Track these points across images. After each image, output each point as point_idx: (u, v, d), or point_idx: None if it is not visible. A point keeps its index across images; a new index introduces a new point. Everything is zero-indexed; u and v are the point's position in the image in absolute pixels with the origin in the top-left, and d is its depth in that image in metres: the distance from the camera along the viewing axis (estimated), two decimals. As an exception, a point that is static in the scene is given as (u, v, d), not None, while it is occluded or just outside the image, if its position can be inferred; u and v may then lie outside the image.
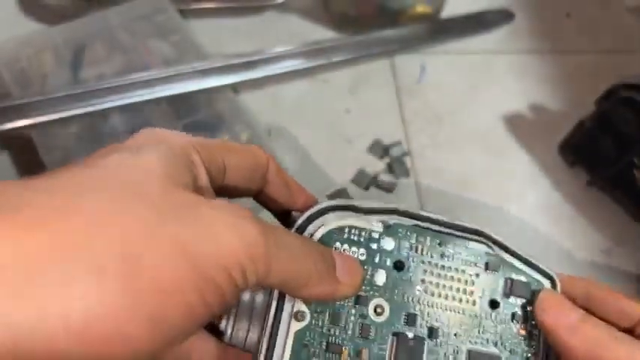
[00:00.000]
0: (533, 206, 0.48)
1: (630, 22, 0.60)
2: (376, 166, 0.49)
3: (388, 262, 0.27)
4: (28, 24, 0.54)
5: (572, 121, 0.48)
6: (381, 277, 0.27)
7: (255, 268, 0.20)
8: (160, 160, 0.21)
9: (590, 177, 0.49)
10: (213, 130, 0.47)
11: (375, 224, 0.27)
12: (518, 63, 0.56)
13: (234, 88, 0.50)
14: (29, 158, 0.46)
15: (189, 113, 0.46)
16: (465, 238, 0.28)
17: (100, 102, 0.40)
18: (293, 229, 0.26)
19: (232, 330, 0.26)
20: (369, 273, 0.27)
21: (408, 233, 0.28)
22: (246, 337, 0.26)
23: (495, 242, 0.29)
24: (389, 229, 0.27)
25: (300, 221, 0.27)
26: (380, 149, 0.50)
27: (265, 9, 0.57)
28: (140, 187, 0.20)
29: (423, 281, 0.27)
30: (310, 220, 0.27)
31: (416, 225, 0.28)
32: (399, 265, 0.27)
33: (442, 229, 0.28)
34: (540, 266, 0.29)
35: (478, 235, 0.29)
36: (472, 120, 0.52)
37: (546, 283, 0.29)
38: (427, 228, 0.28)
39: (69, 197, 0.19)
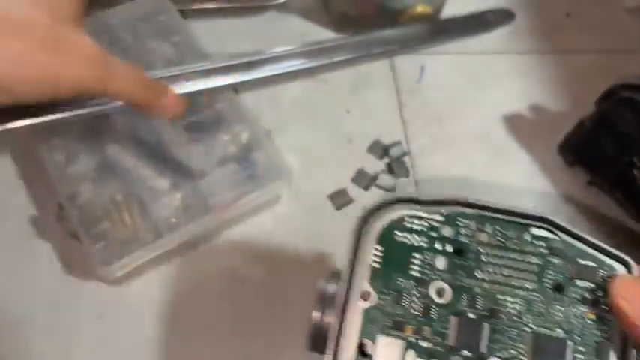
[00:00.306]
0: (532, 206, 0.48)
1: (630, 22, 0.60)
2: (376, 166, 0.49)
3: (448, 248, 0.29)
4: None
5: (572, 121, 0.49)
6: (441, 262, 0.29)
7: (98, 86, 0.35)
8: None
9: (589, 177, 0.49)
10: (214, 130, 0.47)
11: (435, 214, 0.29)
12: (517, 63, 0.56)
13: (235, 88, 0.50)
14: (30, 158, 0.46)
15: (190, 114, 0.46)
16: (528, 224, 0.29)
17: (101, 102, 0.40)
18: (359, 218, 0.29)
19: (322, 316, 0.29)
20: (430, 258, 0.29)
21: (468, 221, 0.29)
22: (331, 298, 0.29)
23: (561, 228, 0.29)
24: (449, 218, 0.29)
25: (365, 212, 0.29)
26: (380, 149, 0.50)
27: (266, 9, 0.58)
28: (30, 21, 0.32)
29: (483, 266, 0.28)
30: (373, 211, 0.29)
31: (477, 214, 0.29)
32: (459, 252, 0.29)
33: (504, 216, 0.29)
34: (613, 251, 0.29)
35: (542, 221, 0.29)
36: (472, 120, 0.52)
37: (619, 268, 0.29)
38: (488, 216, 0.29)
39: None
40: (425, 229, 0.29)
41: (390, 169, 0.49)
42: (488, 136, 0.51)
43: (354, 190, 0.48)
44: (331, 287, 0.29)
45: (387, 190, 0.48)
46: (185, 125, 0.47)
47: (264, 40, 0.56)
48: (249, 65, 0.49)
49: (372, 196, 0.48)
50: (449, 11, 0.57)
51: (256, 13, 0.57)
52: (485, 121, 0.52)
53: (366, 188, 0.48)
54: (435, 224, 0.29)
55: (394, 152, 0.49)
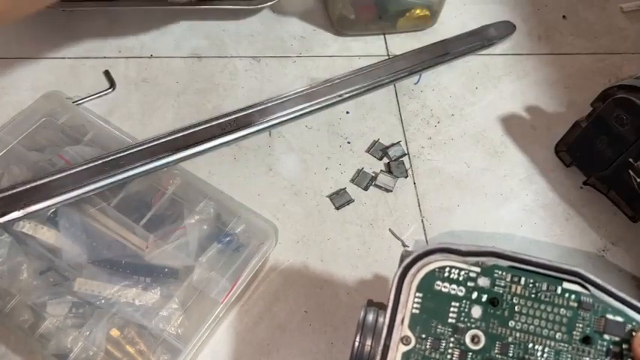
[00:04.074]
0: (529, 206, 0.49)
1: (625, 24, 0.60)
2: (375, 166, 0.50)
3: (484, 299, 0.30)
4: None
5: (568, 122, 0.49)
6: (477, 311, 0.30)
7: None
8: None
9: (585, 177, 0.49)
10: (177, 217, 0.43)
11: (472, 265, 0.31)
12: (514, 65, 0.57)
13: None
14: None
15: (145, 210, 0.43)
16: (560, 278, 0.30)
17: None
18: (401, 266, 0.31)
19: (359, 344, 0.31)
20: (466, 307, 0.30)
21: (504, 273, 0.31)
22: (370, 351, 0.31)
23: (593, 283, 0.30)
24: (486, 269, 0.31)
25: (406, 261, 0.31)
26: (379, 150, 0.50)
27: (264, 12, 0.58)
28: None
29: (516, 316, 0.30)
30: (416, 260, 0.31)
31: (512, 266, 0.31)
32: (494, 302, 0.30)
33: (537, 269, 0.31)
34: (639, 305, 0.30)
35: (575, 275, 0.30)
36: (469, 121, 0.53)
37: None
38: (522, 269, 0.31)
39: None
40: (462, 279, 0.31)
41: (389, 170, 0.49)
42: (486, 137, 0.52)
43: (353, 190, 0.48)
44: (371, 316, 0.31)
45: (386, 190, 0.48)
46: (144, 224, 0.43)
47: (264, 41, 0.56)
48: (261, 113, 0.49)
49: (372, 196, 0.48)
50: (449, 24, 0.58)
51: (254, 15, 0.58)
52: (482, 122, 0.53)
53: (366, 188, 0.48)
54: (472, 275, 0.31)
55: (393, 153, 0.50)
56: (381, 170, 0.49)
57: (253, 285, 0.44)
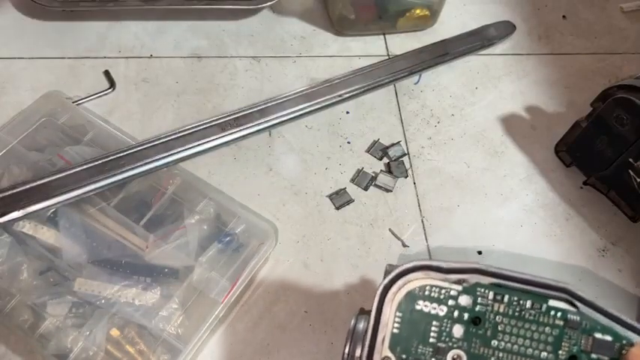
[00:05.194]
0: (529, 206, 0.49)
1: (625, 24, 0.60)
2: (375, 166, 0.50)
3: (466, 317, 0.30)
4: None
5: (568, 122, 0.49)
6: (458, 331, 0.30)
7: None
8: None
9: (585, 177, 0.49)
10: (177, 217, 0.43)
11: (454, 284, 0.30)
12: (514, 65, 0.57)
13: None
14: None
15: (144, 210, 0.43)
16: (545, 295, 0.29)
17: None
18: (381, 285, 0.30)
19: (349, 353, 0.31)
20: (447, 326, 0.30)
21: (486, 291, 0.30)
22: (359, 357, 0.30)
23: (580, 299, 0.29)
24: (467, 288, 0.30)
25: (386, 280, 0.30)
26: (379, 150, 0.50)
27: (264, 12, 0.58)
28: None
29: (500, 335, 0.29)
30: (396, 279, 0.30)
31: (495, 283, 0.30)
32: (476, 321, 0.30)
33: (522, 286, 0.30)
34: (631, 322, 0.29)
35: (561, 292, 0.29)
36: (470, 121, 0.53)
37: (636, 339, 0.29)
38: (506, 286, 0.30)
39: None
40: (443, 298, 0.30)
41: (389, 169, 0.49)
42: (486, 137, 0.52)
43: (353, 190, 0.48)
44: (361, 325, 0.31)
45: (386, 190, 0.48)
46: (144, 224, 0.43)
47: (264, 42, 0.56)
48: (261, 112, 0.49)
49: (372, 196, 0.48)
50: (449, 24, 0.58)
51: (254, 15, 0.58)
52: (482, 122, 0.53)
53: (366, 188, 0.48)
54: (453, 293, 0.30)
55: (393, 153, 0.50)
56: (381, 170, 0.49)
57: (253, 285, 0.44)
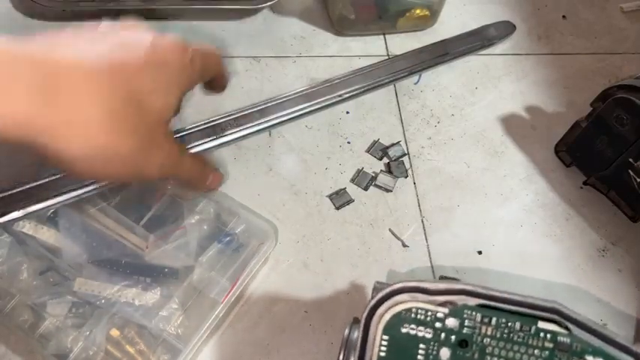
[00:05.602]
0: (529, 206, 0.49)
1: (625, 24, 0.60)
2: (375, 166, 0.50)
3: (453, 340, 0.29)
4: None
5: (568, 122, 0.49)
6: (445, 354, 0.29)
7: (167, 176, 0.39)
8: (161, 99, 0.34)
9: (585, 177, 0.49)
10: (177, 217, 0.44)
11: (440, 306, 0.30)
12: (514, 65, 0.57)
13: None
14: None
15: (144, 210, 0.43)
16: (535, 316, 0.29)
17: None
18: (367, 307, 0.30)
19: (343, 358, 0.30)
20: (434, 350, 0.29)
21: (473, 313, 0.30)
22: None
23: (571, 320, 0.29)
24: (454, 310, 0.30)
25: (372, 302, 0.30)
26: (379, 150, 0.50)
27: (264, 12, 0.58)
28: (141, 116, 0.33)
29: (488, 358, 0.29)
30: (382, 300, 0.30)
31: (482, 305, 0.30)
32: (463, 343, 0.29)
33: (511, 307, 0.29)
34: (623, 343, 0.29)
35: (552, 312, 0.29)
36: (470, 121, 0.53)
37: None
38: (494, 307, 0.29)
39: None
40: (430, 321, 0.30)
41: (389, 170, 0.49)
42: (486, 137, 0.52)
43: (353, 190, 0.48)
44: (355, 334, 0.31)
45: (386, 190, 0.48)
46: (144, 224, 0.43)
47: (264, 41, 0.56)
48: (261, 112, 0.49)
49: (372, 196, 0.48)
50: (449, 24, 0.58)
51: (253, 15, 0.58)
52: (482, 122, 0.53)
53: (366, 188, 0.48)
54: (440, 315, 0.30)
55: (393, 153, 0.50)
56: (381, 170, 0.49)
57: (253, 285, 0.44)
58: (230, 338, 0.42)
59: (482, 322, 0.29)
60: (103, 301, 0.40)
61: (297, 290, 0.44)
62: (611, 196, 0.48)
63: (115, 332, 0.39)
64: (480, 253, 0.46)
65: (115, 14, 0.56)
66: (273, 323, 0.42)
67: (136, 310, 0.40)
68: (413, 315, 0.30)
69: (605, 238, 0.47)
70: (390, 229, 0.47)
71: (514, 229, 0.47)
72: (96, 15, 0.56)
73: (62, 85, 0.30)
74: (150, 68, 0.33)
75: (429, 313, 0.30)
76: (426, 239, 0.46)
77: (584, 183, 0.49)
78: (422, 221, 0.47)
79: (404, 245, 0.46)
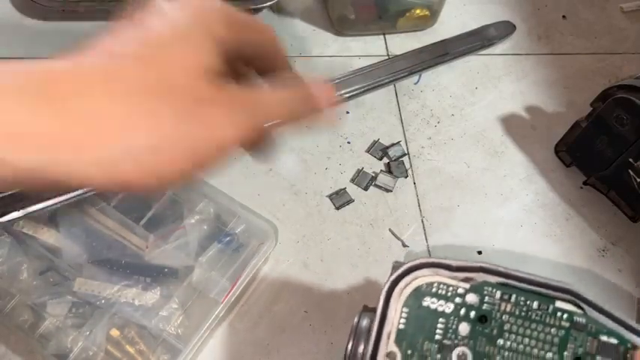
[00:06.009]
0: (529, 206, 0.49)
1: (625, 24, 0.60)
2: (375, 166, 0.50)
3: (472, 315, 0.30)
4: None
5: (568, 122, 0.49)
6: (464, 329, 0.30)
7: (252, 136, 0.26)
8: (190, 49, 0.24)
9: (585, 177, 0.49)
10: (177, 217, 0.43)
11: (461, 281, 0.30)
12: (514, 65, 0.57)
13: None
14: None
15: (144, 210, 0.43)
16: (552, 296, 0.30)
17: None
18: (389, 280, 0.30)
19: (352, 350, 0.30)
20: (454, 324, 0.30)
21: (493, 290, 0.30)
22: (362, 358, 0.30)
23: (587, 302, 0.30)
24: (475, 286, 0.30)
25: (394, 276, 0.30)
26: (379, 150, 0.50)
27: (264, 12, 0.58)
28: (167, 84, 0.24)
29: (506, 334, 0.29)
30: (404, 275, 0.30)
31: (502, 283, 0.30)
32: (482, 319, 0.30)
33: (529, 286, 0.30)
34: (636, 327, 0.29)
35: (568, 294, 0.30)
36: (469, 121, 0.53)
37: None
38: (513, 286, 0.30)
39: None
40: (450, 295, 0.30)
41: (389, 170, 0.49)
42: (486, 137, 0.52)
43: (353, 190, 0.48)
44: (365, 322, 0.31)
45: (386, 190, 0.48)
46: (144, 224, 0.43)
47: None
48: None
49: (372, 196, 0.48)
50: (449, 24, 0.58)
51: (253, 15, 0.58)
52: (482, 122, 0.53)
53: (366, 188, 0.48)
54: (461, 291, 0.30)
55: (393, 153, 0.50)
56: (381, 170, 0.49)
57: (253, 285, 0.44)
58: (230, 338, 0.42)
59: (502, 299, 0.30)
60: (103, 301, 0.40)
61: (297, 290, 0.44)
62: (611, 196, 0.48)
63: (115, 332, 0.39)
64: (479, 253, 0.46)
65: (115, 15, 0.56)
66: (273, 323, 0.42)
67: (136, 310, 0.40)
68: (434, 289, 0.30)
69: (605, 238, 0.47)
70: (390, 229, 0.47)
71: (514, 229, 0.47)
72: (96, 15, 0.56)
73: (65, 88, 0.24)
74: (160, 16, 0.26)
75: (450, 288, 0.30)
76: (426, 239, 0.46)
77: (584, 183, 0.49)
78: (422, 221, 0.47)
79: (404, 245, 0.46)
